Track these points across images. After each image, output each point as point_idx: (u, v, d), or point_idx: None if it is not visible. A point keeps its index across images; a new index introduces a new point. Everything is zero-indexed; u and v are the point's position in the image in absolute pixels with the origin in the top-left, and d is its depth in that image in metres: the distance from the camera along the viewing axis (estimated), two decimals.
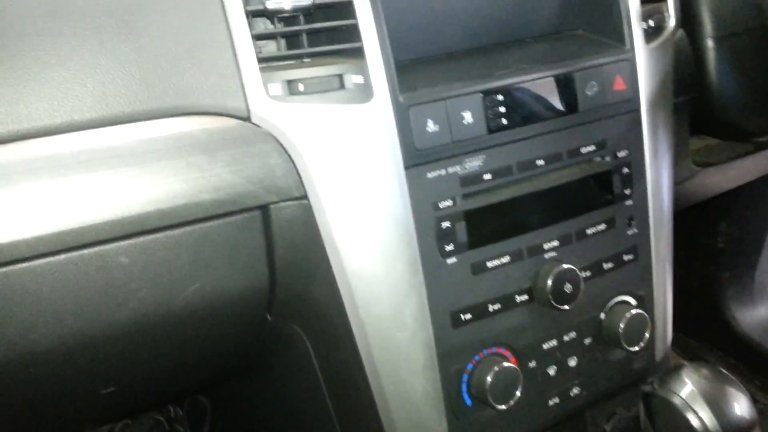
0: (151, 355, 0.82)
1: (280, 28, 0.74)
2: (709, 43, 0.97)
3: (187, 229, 0.71)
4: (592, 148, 0.86)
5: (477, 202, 0.80)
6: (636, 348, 0.90)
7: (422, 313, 0.79)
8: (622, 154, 0.88)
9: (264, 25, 0.75)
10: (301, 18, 0.73)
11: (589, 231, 0.87)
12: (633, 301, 0.92)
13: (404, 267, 0.77)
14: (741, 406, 0.78)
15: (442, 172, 0.78)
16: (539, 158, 0.83)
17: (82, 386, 0.83)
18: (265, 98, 0.71)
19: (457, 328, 0.81)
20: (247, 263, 0.75)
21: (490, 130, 0.79)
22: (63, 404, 0.88)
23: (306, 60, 0.74)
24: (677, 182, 0.99)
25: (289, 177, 0.73)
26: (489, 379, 0.81)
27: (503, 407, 0.82)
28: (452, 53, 0.86)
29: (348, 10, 0.73)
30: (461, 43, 0.87)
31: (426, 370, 0.80)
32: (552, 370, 0.88)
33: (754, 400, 0.84)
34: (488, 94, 0.79)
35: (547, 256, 0.85)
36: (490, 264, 0.82)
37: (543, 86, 0.82)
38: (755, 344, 1.65)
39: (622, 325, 0.88)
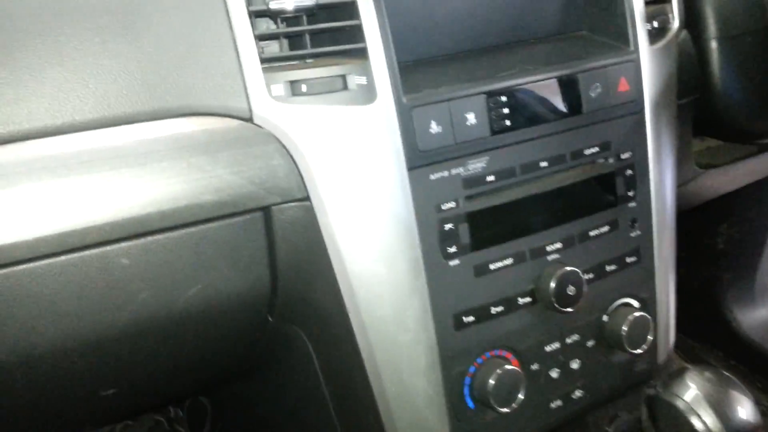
0: (151, 357, 0.82)
1: (283, 28, 0.73)
2: (713, 44, 0.97)
3: (189, 230, 0.70)
4: (595, 149, 0.86)
5: (480, 203, 0.80)
6: (639, 351, 0.90)
7: (424, 315, 0.78)
8: (625, 155, 0.88)
9: (266, 26, 0.74)
10: (304, 18, 0.73)
11: (592, 233, 0.87)
12: (636, 304, 0.92)
13: (407, 269, 0.77)
14: (745, 410, 0.78)
15: (445, 173, 0.77)
16: (542, 160, 0.83)
17: (82, 388, 0.83)
18: (268, 99, 0.71)
19: (459, 330, 0.81)
20: (248, 265, 0.75)
21: (494, 132, 0.79)
22: (63, 405, 0.88)
23: (309, 60, 0.73)
24: (680, 184, 0.99)
25: (291, 178, 0.72)
26: (491, 381, 0.81)
27: (506, 410, 0.81)
28: (455, 54, 0.86)
29: (351, 11, 0.73)
30: (464, 44, 0.86)
31: (428, 372, 0.80)
32: (554, 373, 0.88)
33: (756, 403, 0.83)
34: (492, 95, 0.78)
35: (550, 258, 0.85)
36: (492, 266, 0.81)
37: (546, 87, 0.82)
38: (756, 345, 1.65)
39: (624, 328, 0.88)
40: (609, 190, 0.88)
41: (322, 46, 0.73)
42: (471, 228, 0.79)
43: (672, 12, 0.94)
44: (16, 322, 0.67)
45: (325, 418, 0.90)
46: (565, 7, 0.92)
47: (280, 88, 0.71)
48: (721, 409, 0.77)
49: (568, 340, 0.88)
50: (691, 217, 1.31)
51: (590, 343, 0.90)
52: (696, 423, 0.78)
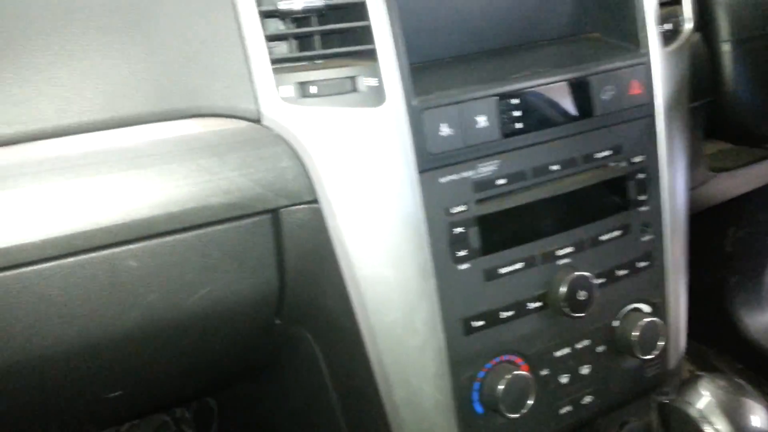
0: (158, 358, 0.81)
1: (293, 29, 0.73)
2: (726, 46, 0.96)
3: (197, 232, 0.70)
4: (607, 153, 0.85)
5: (490, 207, 0.79)
6: (649, 356, 0.89)
7: (434, 319, 0.78)
8: (637, 159, 0.87)
9: (275, 26, 0.74)
10: (314, 19, 0.72)
11: (604, 237, 0.86)
12: (647, 309, 0.91)
13: (416, 272, 0.76)
14: (758, 418, 0.77)
15: (455, 176, 0.77)
16: (553, 163, 0.82)
17: (89, 389, 0.83)
18: (277, 100, 0.70)
19: (468, 335, 0.80)
20: (256, 267, 0.75)
21: (505, 135, 0.78)
22: (70, 406, 0.88)
23: (318, 62, 0.73)
24: (691, 187, 0.98)
25: (299, 180, 0.72)
26: (501, 387, 0.80)
27: (515, 416, 0.81)
28: (466, 55, 0.85)
29: (361, 11, 0.72)
30: (475, 46, 0.86)
31: (437, 377, 0.80)
32: (564, 378, 0.87)
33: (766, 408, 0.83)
34: (503, 97, 0.78)
35: (560, 262, 0.84)
36: (503, 270, 0.81)
37: (558, 90, 0.81)
38: (763, 349, 1.65)
39: (635, 334, 0.87)
40: (621, 194, 0.87)
41: (332, 47, 0.73)
42: (481, 232, 0.79)
43: (684, 14, 0.93)
44: (23, 323, 0.66)
45: (332, 421, 0.90)
46: (577, 8, 0.91)
47: (289, 90, 0.70)
48: (734, 416, 0.77)
49: (579, 346, 0.87)
50: (699, 220, 1.31)
51: (600, 349, 0.89)
52: (709, 431, 0.77)
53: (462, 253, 0.78)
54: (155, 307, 0.71)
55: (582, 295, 0.82)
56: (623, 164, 0.86)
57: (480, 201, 0.78)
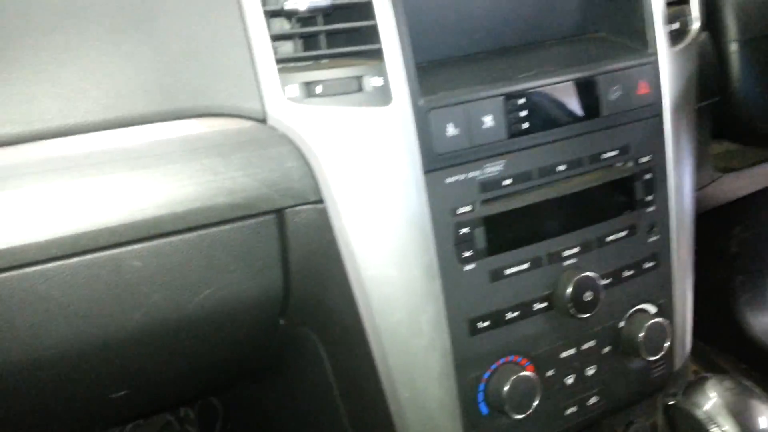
0: (162, 359, 0.81)
1: (298, 28, 0.72)
2: (733, 46, 0.95)
3: (201, 232, 0.70)
4: (614, 153, 0.84)
5: (496, 207, 0.79)
6: (655, 357, 0.88)
7: (439, 320, 0.77)
8: (644, 159, 0.86)
9: (281, 26, 0.73)
10: (319, 18, 0.72)
11: (610, 238, 0.86)
12: (653, 310, 0.91)
13: (421, 273, 0.76)
14: (765, 420, 0.77)
15: (461, 177, 0.76)
16: (560, 163, 0.81)
17: (93, 389, 0.82)
18: (282, 100, 0.70)
19: (474, 336, 0.80)
20: (261, 268, 0.74)
21: (511, 135, 0.78)
22: (74, 407, 0.88)
23: (324, 61, 0.72)
24: (698, 188, 0.97)
25: (304, 181, 0.71)
26: (506, 387, 0.80)
27: (520, 416, 0.81)
28: (472, 55, 0.85)
29: (367, 11, 0.72)
30: (482, 45, 0.85)
31: (442, 378, 0.79)
32: (570, 379, 0.87)
33: None
34: (509, 97, 0.77)
35: (566, 263, 0.84)
36: (508, 271, 0.80)
37: (565, 90, 0.80)
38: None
39: (641, 335, 0.87)
40: (627, 195, 0.86)
41: (338, 47, 0.72)
42: (487, 232, 0.78)
43: (692, 13, 0.92)
44: (27, 323, 0.66)
45: (336, 421, 0.89)
46: (584, 8, 0.90)
47: (294, 89, 0.70)
48: (741, 418, 0.76)
49: (584, 347, 0.87)
50: (705, 220, 1.31)
51: (606, 350, 0.89)
52: None
53: (468, 254, 0.78)
54: (159, 307, 0.71)
55: (588, 296, 0.82)
56: (630, 164, 0.86)
57: (486, 201, 0.78)
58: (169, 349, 0.79)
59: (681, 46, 0.89)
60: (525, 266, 0.81)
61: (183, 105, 0.68)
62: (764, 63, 0.97)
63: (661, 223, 0.89)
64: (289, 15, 0.71)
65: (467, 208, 0.77)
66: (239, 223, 0.71)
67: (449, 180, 0.76)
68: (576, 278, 0.82)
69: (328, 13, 0.72)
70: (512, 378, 0.80)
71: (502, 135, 0.77)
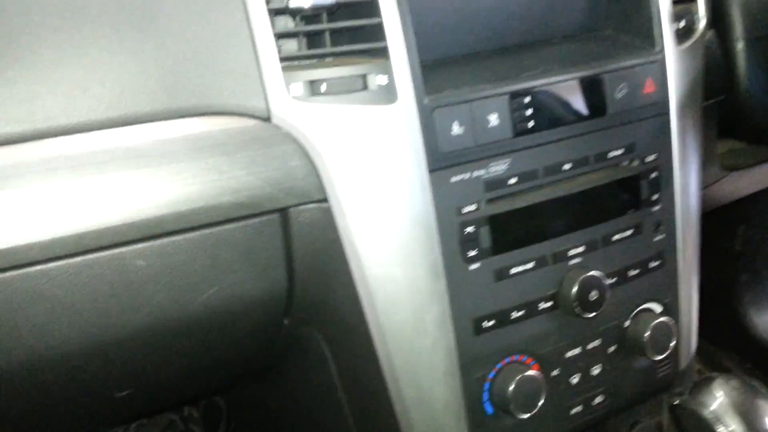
0: (166, 358, 0.81)
1: (302, 26, 0.72)
2: (740, 44, 0.95)
3: (205, 232, 0.70)
4: (620, 152, 0.84)
5: (501, 207, 0.78)
6: (661, 357, 0.88)
7: (444, 319, 0.77)
8: (650, 158, 0.86)
9: (285, 23, 0.73)
10: (324, 16, 0.71)
11: (616, 237, 0.86)
12: (658, 309, 0.91)
13: (426, 272, 0.75)
14: None
15: (466, 175, 0.76)
16: (566, 162, 0.81)
17: (97, 389, 0.82)
18: (287, 99, 0.69)
19: (479, 335, 0.80)
20: (265, 267, 0.74)
21: (516, 133, 0.77)
22: (78, 406, 0.87)
23: (328, 59, 0.72)
24: (703, 186, 0.97)
25: (309, 179, 0.71)
26: (511, 387, 0.79)
27: (525, 416, 0.80)
28: (478, 53, 0.84)
29: (372, 9, 0.71)
30: (487, 43, 0.85)
31: (447, 378, 0.79)
32: (575, 379, 0.87)
33: None
34: (515, 96, 0.77)
35: (572, 262, 0.83)
36: (513, 270, 0.80)
37: (571, 88, 0.80)
38: None
39: (647, 334, 0.87)
40: (633, 194, 0.86)
41: (342, 45, 0.72)
42: (492, 231, 0.78)
43: (698, 11, 0.92)
44: (30, 323, 0.66)
45: (341, 421, 0.89)
46: (590, 5, 0.90)
47: (299, 88, 0.70)
48: (748, 418, 0.76)
49: (589, 346, 0.87)
50: (709, 219, 1.30)
51: (611, 349, 0.88)
52: None
53: (473, 253, 0.77)
54: (163, 307, 0.71)
55: (593, 295, 0.82)
56: (636, 163, 0.85)
57: (491, 200, 0.78)
58: (173, 349, 0.79)
59: (687, 44, 0.88)
60: (530, 265, 0.81)
61: (186, 103, 0.68)
62: None
63: (666, 222, 0.89)
64: (294, 13, 0.70)
65: (472, 207, 0.76)
66: (243, 222, 0.71)
67: (454, 179, 0.75)
68: (581, 277, 0.81)
69: (333, 11, 0.71)
70: (517, 377, 0.79)
71: (508, 134, 0.77)
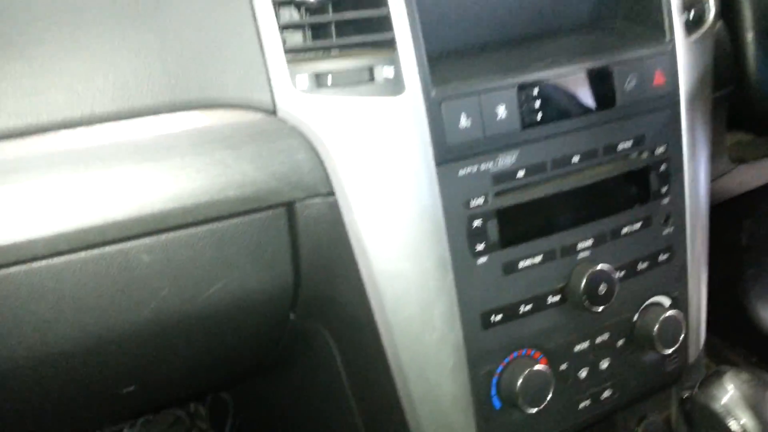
0: (172, 353, 0.81)
1: (308, 18, 0.71)
2: (750, 35, 0.94)
3: (211, 226, 0.69)
4: (629, 144, 0.83)
5: (509, 200, 0.77)
6: (670, 350, 0.88)
7: (452, 314, 0.77)
8: (659, 150, 0.85)
9: (290, 15, 0.72)
10: (329, 7, 0.71)
11: (624, 230, 0.85)
12: (667, 302, 0.90)
13: (434, 266, 0.75)
14: None
15: (474, 168, 0.75)
16: (574, 155, 0.80)
17: (103, 385, 0.82)
18: (293, 91, 0.69)
19: (487, 330, 0.79)
20: (271, 261, 0.74)
21: (525, 126, 0.77)
22: (83, 402, 0.87)
23: (334, 51, 0.71)
24: (712, 179, 0.96)
25: (315, 173, 0.70)
26: (519, 381, 0.79)
27: (533, 410, 0.80)
28: (485, 45, 0.84)
29: (379, 0, 0.70)
30: (495, 35, 0.84)
31: (455, 373, 0.79)
32: (584, 373, 0.86)
33: None
34: (523, 88, 0.76)
35: (580, 256, 0.83)
36: (521, 264, 0.79)
37: (580, 80, 0.79)
38: None
39: (656, 327, 0.86)
40: (642, 186, 0.85)
41: (348, 37, 0.71)
42: (500, 225, 0.77)
43: (708, 2, 0.91)
44: (35, 319, 0.66)
45: (348, 416, 0.89)
46: None
47: (304, 80, 0.69)
48: (759, 411, 0.75)
49: (598, 340, 0.86)
50: (716, 212, 1.30)
51: (620, 343, 0.88)
52: (733, 425, 0.76)
53: (480, 247, 0.77)
54: (169, 302, 0.70)
55: (602, 288, 0.81)
56: (645, 155, 0.85)
57: (499, 193, 0.77)
58: (179, 344, 0.79)
59: (697, 35, 0.87)
60: (538, 259, 0.80)
61: (191, 96, 0.67)
62: None
63: (675, 214, 0.88)
64: (299, 4, 0.70)
65: (480, 201, 0.76)
66: (249, 217, 0.70)
67: (462, 172, 0.75)
68: (590, 271, 0.81)
69: (338, 2, 0.70)
70: (525, 372, 0.79)
71: (516, 126, 0.76)
